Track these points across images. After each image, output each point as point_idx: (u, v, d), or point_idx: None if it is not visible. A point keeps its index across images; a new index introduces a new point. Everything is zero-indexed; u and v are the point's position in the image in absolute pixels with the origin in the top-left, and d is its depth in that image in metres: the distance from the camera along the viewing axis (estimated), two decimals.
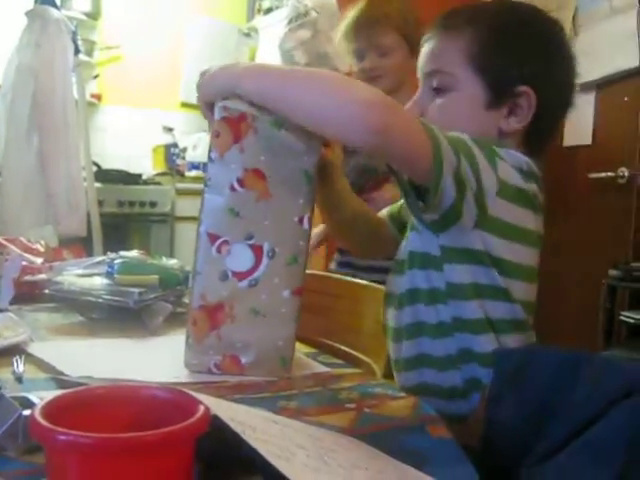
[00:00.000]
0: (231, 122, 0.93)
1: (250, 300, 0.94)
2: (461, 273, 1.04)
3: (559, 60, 1.14)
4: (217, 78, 0.97)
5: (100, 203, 3.50)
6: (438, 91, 1.12)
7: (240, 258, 0.94)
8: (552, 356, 0.93)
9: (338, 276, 1.66)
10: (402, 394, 0.91)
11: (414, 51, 1.83)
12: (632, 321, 2.23)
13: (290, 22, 3.04)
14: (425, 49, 1.16)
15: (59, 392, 0.57)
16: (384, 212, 1.32)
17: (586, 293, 2.42)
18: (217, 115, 0.94)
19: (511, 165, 1.04)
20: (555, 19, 1.18)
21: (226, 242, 0.93)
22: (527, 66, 1.10)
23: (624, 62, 2.45)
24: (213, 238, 0.93)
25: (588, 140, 2.60)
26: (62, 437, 0.49)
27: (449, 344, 1.06)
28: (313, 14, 3.00)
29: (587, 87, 2.64)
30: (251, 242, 0.94)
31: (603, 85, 2.57)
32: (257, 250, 0.94)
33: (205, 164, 0.98)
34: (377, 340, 1.26)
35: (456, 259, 1.04)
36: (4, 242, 1.53)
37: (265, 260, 0.94)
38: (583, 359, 0.89)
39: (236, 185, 0.93)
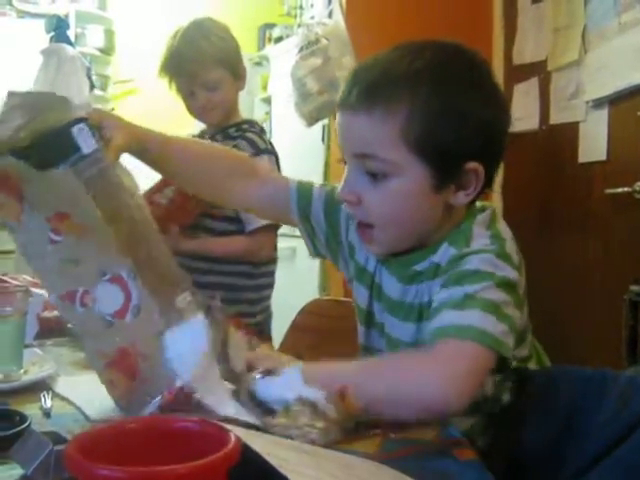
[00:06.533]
0: (3, 184, 0.87)
1: (144, 329, 0.87)
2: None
3: (499, 102, 1.01)
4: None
5: None
6: (374, 175, 0.97)
7: (109, 297, 0.88)
8: (577, 375, 0.92)
9: None
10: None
11: (237, 76, 1.92)
12: None
13: (301, 50, 3.06)
14: (347, 123, 0.98)
15: (89, 426, 0.58)
16: (294, 181, 1.20)
17: (608, 309, 2.39)
18: None
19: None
20: (478, 53, 1.01)
21: (86, 292, 0.87)
22: (474, 138, 0.95)
23: (635, 77, 2.44)
24: (70, 297, 0.87)
25: (603, 156, 2.59)
26: (98, 471, 0.49)
27: None
28: (324, 41, 3.02)
29: (599, 103, 2.63)
30: (107, 277, 0.88)
31: (615, 100, 2.57)
32: (119, 281, 0.88)
33: None
34: None
35: None
36: (7, 279, 1.54)
37: (133, 285, 0.88)
38: (608, 378, 0.88)
39: (54, 236, 0.88)
